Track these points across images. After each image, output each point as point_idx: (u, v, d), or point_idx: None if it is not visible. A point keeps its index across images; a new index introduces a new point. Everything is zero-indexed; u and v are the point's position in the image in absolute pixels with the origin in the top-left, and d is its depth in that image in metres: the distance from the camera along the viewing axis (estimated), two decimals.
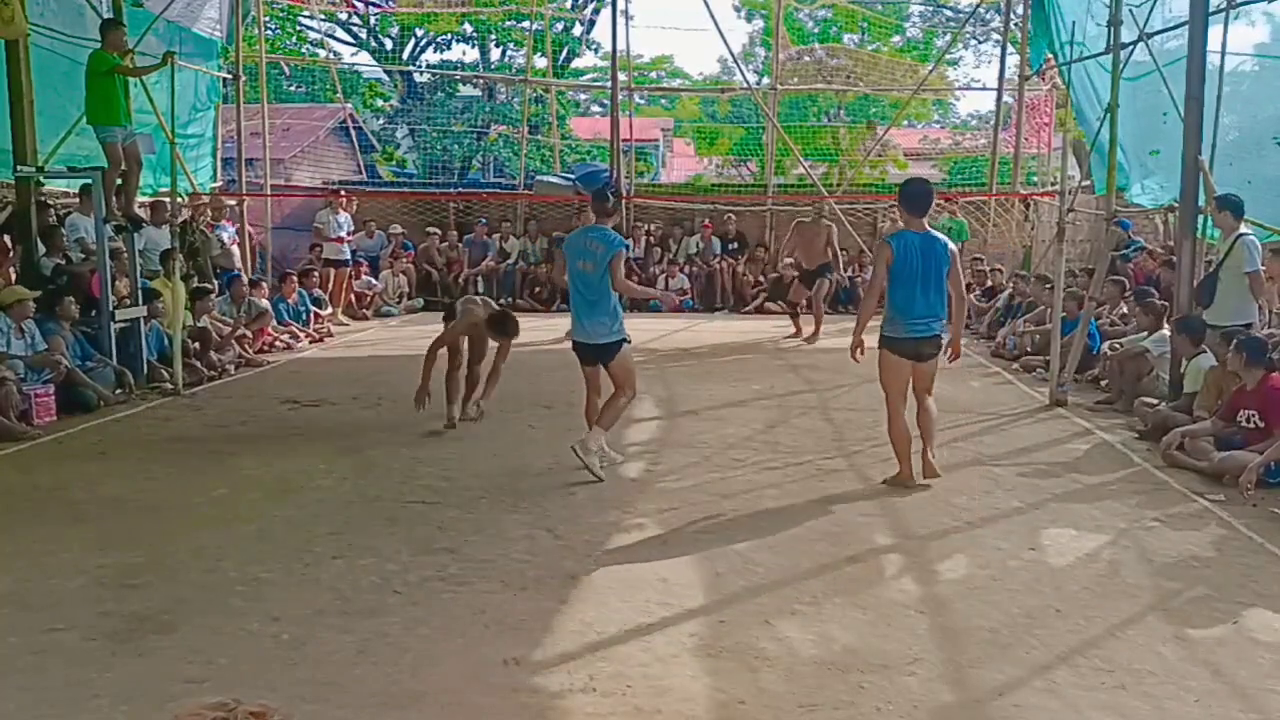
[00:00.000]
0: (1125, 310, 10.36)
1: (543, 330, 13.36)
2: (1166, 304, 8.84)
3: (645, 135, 25.82)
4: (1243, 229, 7.72)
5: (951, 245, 6.15)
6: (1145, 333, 8.79)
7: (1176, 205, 8.65)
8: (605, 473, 6.28)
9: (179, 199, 10.60)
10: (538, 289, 16.12)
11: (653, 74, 30.00)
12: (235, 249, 13.59)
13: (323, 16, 23.99)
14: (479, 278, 16.17)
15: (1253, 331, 7.30)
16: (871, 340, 6.16)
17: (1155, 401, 7.74)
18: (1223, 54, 8.74)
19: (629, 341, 6.44)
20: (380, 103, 28.51)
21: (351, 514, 5.60)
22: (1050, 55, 15.80)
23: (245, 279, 12.39)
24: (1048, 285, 10.29)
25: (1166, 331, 8.44)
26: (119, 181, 9.41)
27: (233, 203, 15.22)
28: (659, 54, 36.82)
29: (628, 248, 6.36)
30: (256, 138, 16.80)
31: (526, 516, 5.52)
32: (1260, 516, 5.56)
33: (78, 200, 10.73)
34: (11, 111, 9.53)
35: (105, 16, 10.17)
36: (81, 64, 9.31)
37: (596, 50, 28.54)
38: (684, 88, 29.39)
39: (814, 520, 5.51)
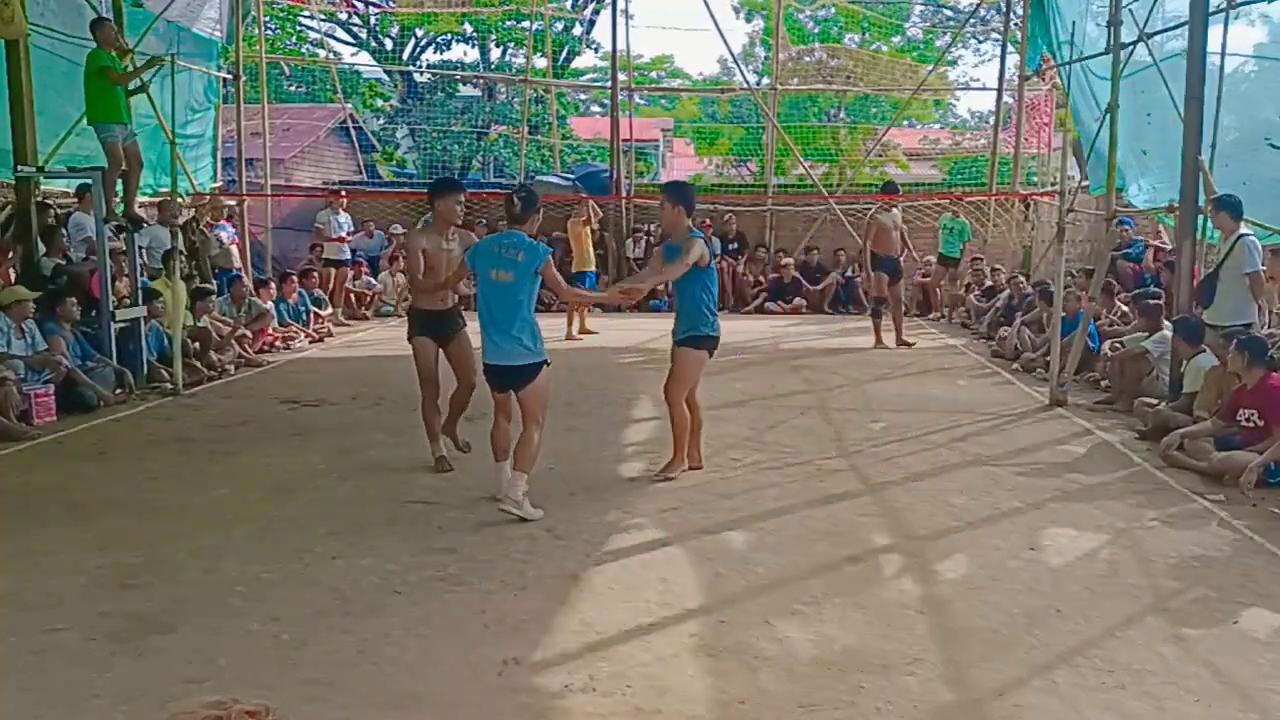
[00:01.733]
0: (1125, 310, 10.36)
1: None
2: (1161, 304, 8.86)
3: (645, 135, 25.79)
4: (1243, 229, 7.72)
5: None
6: (1145, 333, 8.79)
7: (1175, 205, 8.65)
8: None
9: (179, 199, 10.60)
10: None
11: (653, 74, 29.97)
12: (234, 249, 13.60)
13: (323, 16, 23.99)
14: None
15: (1252, 332, 7.30)
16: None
17: (1155, 401, 7.74)
18: (1223, 55, 8.74)
19: (549, 363, 5.67)
20: (380, 103, 28.49)
21: (351, 514, 5.60)
22: (1048, 55, 15.80)
23: (249, 280, 12.39)
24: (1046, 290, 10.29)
25: (1167, 332, 8.45)
26: (119, 181, 9.42)
27: (232, 202, 15.23)
28: (659, 54, 36.81)
29: (551, 254, 5.68)
30: (257, 138, 16.80)
31: None
32: (1260, 516, 5.56)
33: (77, 200, 10.72)
34: (11, 111, 9.53)
35: (99, 15, 10.18)
36: (81, 64, 9.31)
37: (596, 50, 28.54)
38: (684, 88, 29.38)
39: (814, 520, 5.51)
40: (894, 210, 12.61)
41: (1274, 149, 9.60)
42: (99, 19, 9.59)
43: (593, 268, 13.56)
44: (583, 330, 13.06)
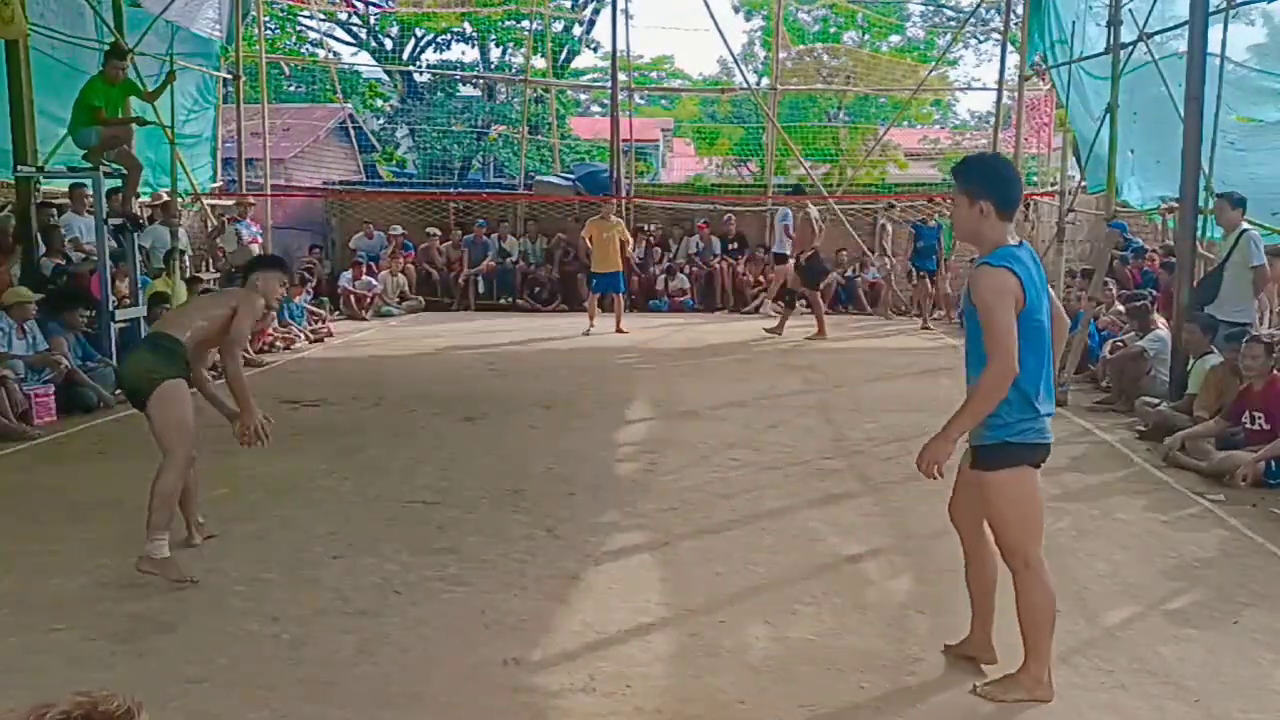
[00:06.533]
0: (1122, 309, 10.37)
1: (541, 330, 13.38)
2: (1147, 304, 8.87)
3: (645, 135, 25.80)
4: (1244, 224, 7.73)
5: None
6: (1137, 333, 8.80)
7: (1172, 204, 8.66)
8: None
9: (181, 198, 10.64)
10: (537, 289, 16.16)
11: (653, 74, 29.97)
12: (255, 247, 13.55)
13: (322, 16, 24.00)
14: (479, 277, 16.27)
15: (1251, 330, 7.28)
16: None
17: (1156, 401, 7.74)
18: (1222, 55, 8.73)
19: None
20: (380, 103, 28.50)
21: (351, 514, 5.60)
22: (1042, 56, 15.79)
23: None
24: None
25: (1161, 332, 8.45)
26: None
27: (255, 202, 15.31)
28: (659, 54, 36.84)
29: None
30: (257, 138, 16.82)
31: (526, 516, 5.52)
32: (1260, 517, 5.56)
33: (69, 200, 10.73)
34: (11, 111, 9.54)
35: (103, 18, 10.19)
36: (81, 65, 9.33)
37: (596, 50, 28.55)
38: (684, 88, 29.38)
39: (814, 520, 5.51)
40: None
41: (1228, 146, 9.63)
42: (117, 49, 9.60)
43: (619, 268, 13.56)
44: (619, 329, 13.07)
